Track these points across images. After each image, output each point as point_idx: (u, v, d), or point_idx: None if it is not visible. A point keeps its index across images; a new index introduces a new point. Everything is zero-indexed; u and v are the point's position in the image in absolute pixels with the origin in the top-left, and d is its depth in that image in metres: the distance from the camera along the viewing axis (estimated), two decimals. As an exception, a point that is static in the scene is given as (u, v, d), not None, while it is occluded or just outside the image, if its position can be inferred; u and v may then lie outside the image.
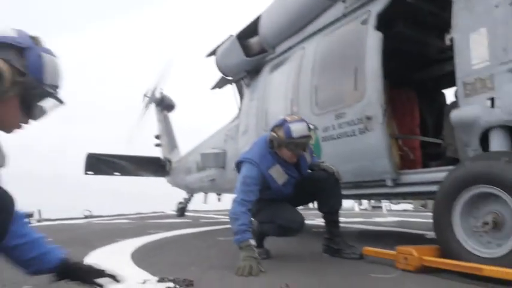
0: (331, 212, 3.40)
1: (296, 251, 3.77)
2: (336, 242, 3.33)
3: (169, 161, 11.44)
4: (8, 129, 1.47)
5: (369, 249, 3.08)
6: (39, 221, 9.64)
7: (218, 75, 7.47)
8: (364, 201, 14.78)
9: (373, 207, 14.76)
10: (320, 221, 7.65)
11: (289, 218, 3.18)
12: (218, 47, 7.05)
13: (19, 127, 1.51)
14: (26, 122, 1.51)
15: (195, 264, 3.00)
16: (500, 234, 2.40)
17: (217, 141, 8.24)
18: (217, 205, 11.04)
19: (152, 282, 2.38)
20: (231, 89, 7.70)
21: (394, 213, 11.99)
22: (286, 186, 3.24)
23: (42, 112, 1.50)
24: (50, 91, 1.47)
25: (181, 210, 10.82)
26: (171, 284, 2.29)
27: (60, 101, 1.52)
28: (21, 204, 1.62)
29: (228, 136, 7.73)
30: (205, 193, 10.24)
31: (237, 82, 7.30)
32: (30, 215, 9.29)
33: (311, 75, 4.73)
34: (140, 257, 3.29)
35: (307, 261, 3.09)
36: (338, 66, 4.39)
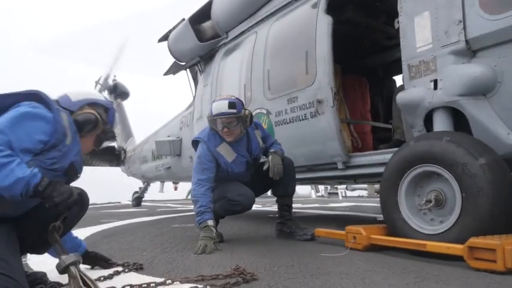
0: (283, 195, 3.42)
1: (250, 235, 3.78)
2: (288, 225, 3.36)
3: (124, 150, 11.11)
4: (84, 150, 2.10)
5: (320, 230, 3.12)
6: None
7: (171, 60, 7.30)
8: (321, 188, 15.12)
9: (330, 193, 15.11)
10: (275, 207, 7.82)
11: (238, 192, 3.21)
12: (170, 31, 6.84)
13: (87, 151, 2.14)
14: (91, 150, 2.16)
15: (148, 249, 2.97)
16: (442, 211, 2.49)
17: (172, 129, 8.09)
18: (174, 194, 10.93)
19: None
20: (185, 74, 7.58)
21: (349, 199, 12.35)
22: (237, 164, 3.31)
23: (103, 145, 2.18)
24: (115, 136, 2.20)
25: (137, 200, 10.58)
26: (120, 268, 2.26)
27: (115, 141, 2.31)
28: None
29: (183, 123, 7.60)
30: (162, 182, 10.08)
31: (191, 68, 7.16)
32: None
33: (263, 60, 4.70)
34: (90, 245, 3.17)
35: (260, 244, 3.09)
36: (290, 50, 4.38)
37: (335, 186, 13.76)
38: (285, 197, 3.42)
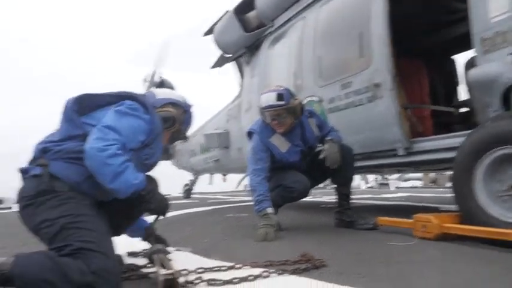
0: (342, 184, 3.30)
1: (307, 224, 3.70)
2: (348, 214, 3.24)
3: (173, 145, 11.33)
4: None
5: (383, 219, 2.98)
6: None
7: (218, 53, 7.32)
8: (371, 179, 14.71)
9: (380, 184, 14.62)
10: (327, 199, 7.66)
11: (293, 179, 3.14)
12: (215, 24, 6.84)
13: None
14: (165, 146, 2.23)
15: (207, 237, 2.98)
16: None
17: (219, 122, 8.13)
18: (223, 186, 11.01)
19: (170, 250, 2.33)
20: (231, 67, 7.58)
21: (402, 190, 11.92)
22: (291, 154, 3.24)
23: (174, 142, 2.35)
24: (186, 135, 2.31)
25: (188, 192, 10.77)
26: (189, 253, 2.33)
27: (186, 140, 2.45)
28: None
29: (231, 116, 7.61)
30: (211, 174, 10.19)
31: (237, 59, 7.14)
32: None
33: (313, 46, 4.57)
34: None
35: (320, 233, 3.02)
36: (342, 33, 4.23)
37: (385, 176, 13.35)
38: (343, 186, 3.31)
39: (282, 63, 5.21)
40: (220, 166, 8.43)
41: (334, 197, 3.48)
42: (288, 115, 3.10)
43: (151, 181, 1.95)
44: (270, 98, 3.09)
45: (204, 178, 10.90)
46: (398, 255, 2.10)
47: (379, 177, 14.19)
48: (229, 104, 7.86)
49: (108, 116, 1.78)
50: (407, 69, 4.87)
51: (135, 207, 1.94)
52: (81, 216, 1.63)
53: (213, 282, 1.61)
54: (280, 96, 3.07)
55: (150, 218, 2.15)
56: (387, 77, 3.51)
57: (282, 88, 3.19)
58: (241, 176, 8.08)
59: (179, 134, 2.23)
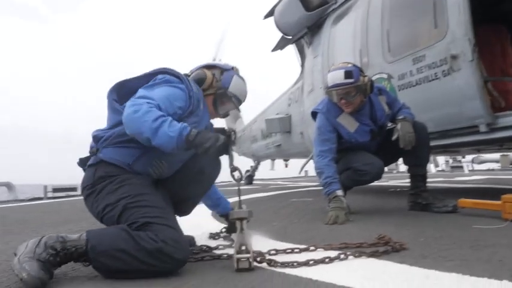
0: (416, 164, 3.08)
1: (378, 207, 3.52)
2: (424, 196, 3.02)
3: (234, 131, 11.43)
4: (211, 118, 2.15)
5: (465, 201, 2.74)
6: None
7: (278, 36, 7.21)
8: (441, 162, 13.87)
9: (452, 167, 13.69)
10: (394, 183, 7.33)
11: (364, 161, 2.98)
12: (276, 6, 6.73)
13: (213, 117, 2.16)
14: (217, 116, 2.16)
15: (275, 221, 2.93)
16: None
17: (280, 106, 8.06)
18: (284, 172, 10.99)
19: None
20: (292, 49, 7.45)
21: (477, 173, 11.11)
22: (360, 134, 3.08)
23: (223, 110, 2.13)
24: (230, 96, 2.09)
25: (249, 178, 10.88)
26: (259, 236, 2.28)
27: (237, 107, 2.16)
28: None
29: (292, 99, 7.50)
30: (272, 160, 10.20)
31: (298, 41, 6.99)
32: (73, 189, 9.74)
33: (381, 20, 4.32)
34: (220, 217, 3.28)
35: (394, 216, 2.83)
36: (413, 3, 3.94)
37: (458, 159, 12.52)
38: (418, 166, 3.08)
39: (347, 40, 5.00)
40: (282, 151, 8.38)
41: (401, 181, 3.27)
42: (356, 93, 2.93)
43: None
44: (337, 76, 2.93)
45: (265, 164, 10.95)
46: (486, 238, 1.90)
47: (450, 159, 13.35)
48: (290, 88, 7.75)
49: (139, 91, 1.77)
50: (487, 37, 4.44)
51: (190, 172, 1.93)
52: (139, 195, 1.67)
53: (287, 264, 1.54)
54: (348, 74, 2.90)
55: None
56: (466, 47, 3.22)
57: (350, 65, 3.01)
58: (303, 161, 7.99)
59: (220, 96, 2.08)
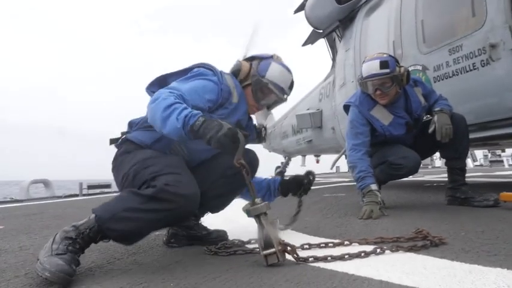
0: (455, 157, 2.97)
1: (413, 202, 3.43)
2: (463, 190, 2.92)
3: (264, 127, 11.47)
4: (251, 111, 2.09)
5: (508, 194, 2.63)
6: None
7: (309, 30, 7.16)
8: (479, 156, 13.36)
9: (491, 162, 13.13)
10: (430, 178, 7.13)
11: (400, 155, 2.90)
12: (306, 0, 6.69)
13: (256, 110, 2.09)
14: (258, 108, 2.07)
15: (308, 215, 2.90)
16: None
17: (311, 101, 7.99)
18: (316, 167, 10.90)
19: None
20: (322, 43, 7.37)
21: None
22: (395, 126, 2.99)
23: (266, 101, 2.05)
24: (267, 83, 1.99)
25: (280, 174, 10.84)
26: (291, 231, 2.29)
27: (280, 97, 2.06)
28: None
29: (323, 94, 7.43)
30: (303, 156, 10.13)
31: (329, 35, 6.91)
32: (107, 186, 9.99)
33: (415, 10, 4.21)
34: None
35: (431, 211, 2.76)
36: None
37: (498, 153, 12.02)
38: (457, 160, 2.97)
39: (379, 33, 4.89)
40: (313, 147, 8.31)
41: (437, 176, 3.17)
42: (392, 84, 2.86)
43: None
44: (373, 66, 2.87)
45: (296, 160, 10.89)
46: (533, 233, 1.82)
47: (489, 154, 12.83)
48: (321, 82, 7.67)
49: (171, 84, 1.78)
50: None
51: (219, 168, 1.91)
52: (148, 159, 1.68)
53: (322, 258, 1.52)
54: (384, 64, 2.84)
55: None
56: (506, 35, 3.08)
57: (385, 55, 2.95)
58: (334, 157, 7.90)
59: (259, 84, 1.99)
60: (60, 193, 9.49)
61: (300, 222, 2.54)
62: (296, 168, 11.27)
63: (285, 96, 2.09)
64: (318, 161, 10.13)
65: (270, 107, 2.10)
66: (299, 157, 10.62)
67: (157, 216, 1.48)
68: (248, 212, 1.60)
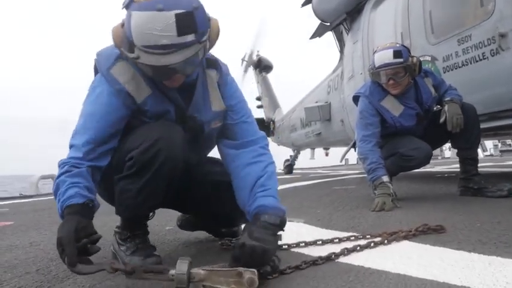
0: (466, 147, 2.95)
1: (425, 193, 3.43)
2: (476, 181, 2.90)
3: (273, 121, 11.52)
4: (173, 83, 1.43)
5: (523, 184, 2.61)
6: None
7: (315, 24, 7.14)
8: (489, 146, 13.26)
9: (502, 151, 13.01)
10: (441, 169, 7.09)
11: (411, 146, 2.89)
12: (313, -7, 6.66)
13: (175, 83, 1.42)
14: (174, 83, 1.42)
15: (319, 208, 2.92)
16: None
17: (319, 94, 7.99)
18: (325, 160, 10.92)
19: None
20: (330, 36, 7.34)
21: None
22: (406, 117, 2.98)
23: (157, 74, 1.35)
24: (135, 57, 1.28)
25: (289, 167, 10.88)
26: (303, 223, 2.28)
27: (167, 62, 1.26)
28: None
29: (331, 87, 7.42)
30: (312, 149, 10.15)
31: (336, 28, 6.89)
32: None
33: (422, 1, 4.20)
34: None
35: (444, 202, 2.75)
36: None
37: (508, 143, 11.91)
38: (468, 149, 2.95)
39: (387, 24, 4.88)
40: (322, 140, 8.32)
41: (447, 167, 3.17)
42: (405, 74, 2.85)
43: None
44: (386, 56, 2.86)
45: (304, 153, 10.91)
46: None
47: (499, 143, 12.73)
48: (329, 75, 7.66)
49: None
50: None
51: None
52: (124, 137, 1.46)
53: (338, 253, 1.50)
54: (397, 53, 2.83)
55: None
56: (517, 23, 3.05)
57: (398, 45, 2.94)
58: (343, 149, 7.90)
59: (130, 60, 1.32)
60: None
61: (312, 215, 2.57)
62: (305, 161, 11.29)
63: (177, 55, 1.26)
64: (327, 154, 10.14)
65: (174, 79, 1.39)
66: (308, 150, 10.63)
67: (140, 170, 1.37)
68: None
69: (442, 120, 2.83)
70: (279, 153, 11.80)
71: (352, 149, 6.60)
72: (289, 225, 2.21)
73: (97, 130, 1.39)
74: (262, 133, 1.66)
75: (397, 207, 2.61)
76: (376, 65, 2.92)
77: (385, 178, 2.77)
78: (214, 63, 1.59)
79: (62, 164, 1.34)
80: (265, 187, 1.44)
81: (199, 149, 1.67)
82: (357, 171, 8.54)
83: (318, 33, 7.39)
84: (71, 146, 1.40)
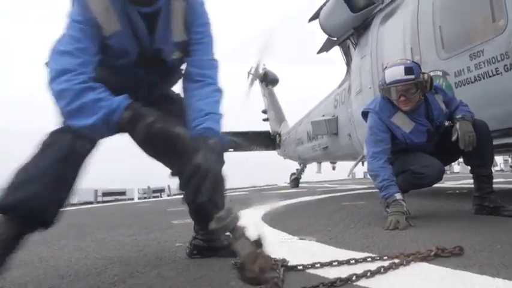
0: (480, 165, 2.90)
1: (438, 211, 3.37)
2: (491, 199, 2.84)
3: (279, 134, 11.53)
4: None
5: (539, 203, 2.55)
6: (169, 195, 10.39)
7: (323, 39, 7.17)
8: (499, 161, 13.14)
9: (512, 167, 12.91)
10: (451, 184, 7.01)
11: (423, 163, 2.84)
12: (321, 8, 6.72)
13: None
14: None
15: (330, 225, 2.86)
16: None
17: (326, 108, 7.99)
18: (331, 174, 10.86)
19: (294, 240, 2.30)
20: (337, 51, 7.37)
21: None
22: (416, 134, 2.94)
23: None
24: None
25: (295, 181, 10.83)
26: (315, 242, 2.21)
27: None
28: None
29: (338, 101, 7.42)
30: (319, 162, 10.10)
31: (343, 43, 6.92)
32: (161, 190, 10.16)
33: (432, 16, 4.18)
34: (271, 221, 3.26)
35: (459, 221, 2.69)
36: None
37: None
38: (482, 167, 2.89)
39: (396, 39, 4.87)
40: (329, 154, 8.29)
41: (457, 182, 3.11)
42: (417, 90, 2.82)
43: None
44: (397, 72, 2.83)
45: (310, 166, 10.85)
46: None
47: (510, 158, 12.60)
48: (336, 89, 7.66)
49: None
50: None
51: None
52: None
53: (358, 275, 1.45)
54: (409, 70, 2.80)
55: None
56: (530, 39, 3.02)
57: (409, 61, 2.92)
58: (350, 163, 7.84)
59: None
60: (76, 200, 9.59)
61: (324, 233, 2.52)
62: (312, 175, 11.23)
63: None
64: (334, 168, 10.09)
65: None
66: (314, 164, 10.58)
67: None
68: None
69: (454, 138, 2.78)
70: (285, 166, 11.78)
71: (360, 163, 6.60)
72: (301, 244, 2.20)
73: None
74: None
75: (411, 226, 2.55)
76: (387, 81, 2.89)
77: (398, 196, 2.71)
78: None
79: None
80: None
81: (167, 83, 1.73)
82: (365, 186, 8.46)
83: (326, 47, 7.43)
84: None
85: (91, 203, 8.82)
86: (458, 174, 14.21)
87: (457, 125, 2.80)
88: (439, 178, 2.89)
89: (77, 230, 3.48)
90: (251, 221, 3.19)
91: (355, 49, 6.31)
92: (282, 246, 2.19)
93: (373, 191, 7.16)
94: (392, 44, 4.99)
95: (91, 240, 2.81)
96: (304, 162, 10.55)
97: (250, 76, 13.18)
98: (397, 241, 2.14)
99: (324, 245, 2.17)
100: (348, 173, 6.91)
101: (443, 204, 3.78)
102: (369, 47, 5.55)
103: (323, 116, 7.83)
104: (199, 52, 1.61)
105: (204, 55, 1.62)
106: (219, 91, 1.60)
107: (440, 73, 3.98)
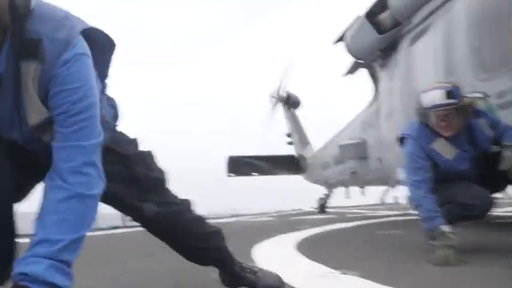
0: (532, 192, 2.70)
1: (489, 244, 3.14)
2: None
3: (304, 158, 11.39)
4: None
5: None
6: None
7: (348, 61, 7.11)
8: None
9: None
10: (501, 211, 6.56)
11: (471, 194, 2.64)
12: (346, 30, 6.69)
13: None
14: None
15: (365, 258, 2.72)
16: None
17: (354, 131, 7.85)
18: (360, 199, 10.57)
19: (336, 275, 2.14)
20: (363, 73, 7.29)
21: None
22: (459, 161, 2.75)
23: None
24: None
25: (322, 207, 10.59)
26: (357, 274, 2.07)
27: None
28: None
29: (366, 124, 7.28)
30: (346, 187, 9.85)
31: (370, 65, 6.83)
32: None
33: (467, 36, 4.05)
34: (307, 251, 3.09)
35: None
36: (505, 13, 3.62)
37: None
38: (535, 195, 2.70)
39: (427, 60, 4.74)
40: (358, 178, 8.09)
41: (503, 210, 2.89)
42: (458, 115, 2.67)
43: None
44: (437, 96, 2.67)
45: (337, 191, 10.60)
46: None
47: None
48: (363, 112, 7.52)
49: None
50: None
51: None
52: None
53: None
54: (450, 94, 2.65)
55: None
56: None
57: (449, 84, 2.77)
58: (381, 188, 7.61)
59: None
60: (104, 225, 9.56)
61: (365, 267, 2.31)
62: (339, 200, 10.96)
63: None
64: (363, 193, 9.80)
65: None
66: (342, 188, 10.34)
67: None
68: None
69: (503, 167, 2.60)
70: (308, 190, 11.59)
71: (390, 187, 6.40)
72: (344, 279, 2.04)
73: None
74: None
75: (463, 262, 2.34)
76: (427, 106, 2.74)
77: (446, 228, 2.51)
78: (35, 46, 1.00)
79: None
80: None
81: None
82: (396, 212, 8.16)
83: (352, 70, 7.38)
84: None
85: (118, 227, 8.72)
86: (502, 200, 13.55)
87: (507, 153, 2.62)
88: (489, 210, 2.70)
89: (105, 258, 3.38)
90: (285, 252, 3.06)
91: (382, 71, 6.21)
92: (324, 280, 2.05)
93: (406, 218, 6.92)
94: (424, 65, 4.85)
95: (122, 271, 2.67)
96: (331, 187, 10.34)
97: (273, 99, 13.22)
98: (452, 280, 1.97)
99: (369, 281, 2.00)
100: (379, 200, 6.66)
101: (494, 235, 3.56)
102: (399, 69, 5.43)
103: (351, 139, 7.68)
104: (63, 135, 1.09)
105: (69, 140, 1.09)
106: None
107: (480, 95, 3.81)
